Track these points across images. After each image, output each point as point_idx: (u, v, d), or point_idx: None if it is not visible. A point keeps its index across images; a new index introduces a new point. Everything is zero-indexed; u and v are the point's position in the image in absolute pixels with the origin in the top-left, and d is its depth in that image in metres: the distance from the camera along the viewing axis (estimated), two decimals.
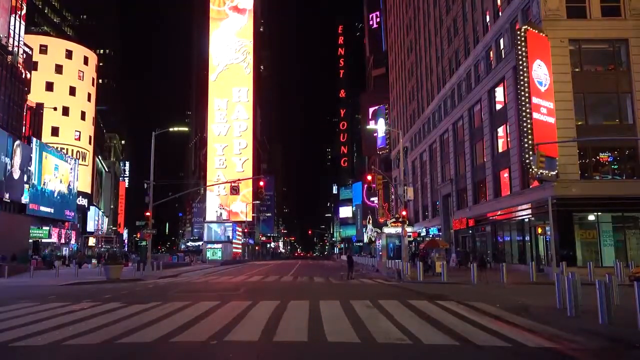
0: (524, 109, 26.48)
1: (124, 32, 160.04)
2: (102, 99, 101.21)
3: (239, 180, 38.87)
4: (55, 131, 75.88)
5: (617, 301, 12.44)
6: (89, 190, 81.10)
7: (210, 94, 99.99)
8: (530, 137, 25.96)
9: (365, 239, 77.32)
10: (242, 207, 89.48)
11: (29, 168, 54.31)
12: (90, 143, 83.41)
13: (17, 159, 50.57)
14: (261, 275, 32.78)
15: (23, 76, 55.99)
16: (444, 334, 9.41)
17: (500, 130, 34.93)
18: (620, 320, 10.25)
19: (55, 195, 62.58)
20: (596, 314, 10.43)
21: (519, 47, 26.95)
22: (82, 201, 78.00)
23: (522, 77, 26.78)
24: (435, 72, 51.31)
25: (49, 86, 74.98)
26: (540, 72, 26.99)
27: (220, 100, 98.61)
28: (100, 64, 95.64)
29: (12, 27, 51.25)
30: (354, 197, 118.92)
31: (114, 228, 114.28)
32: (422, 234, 55.80)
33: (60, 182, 64.36)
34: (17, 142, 50.89)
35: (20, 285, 23.68)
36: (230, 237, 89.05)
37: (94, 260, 51.41)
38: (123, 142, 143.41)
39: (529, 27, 27.19)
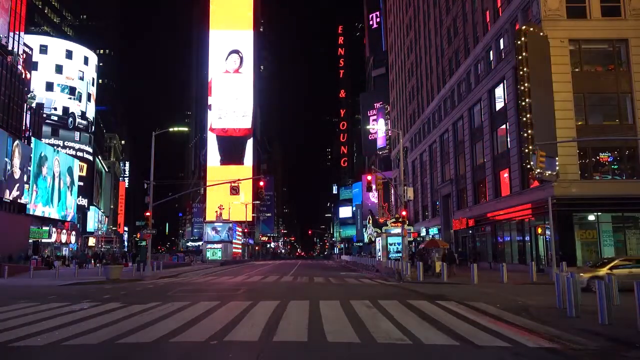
0: (524, 108, 26.47)
1: (124, 32, 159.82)
2: (102, 99, 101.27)
3: (239, 180, 38.85)
4: (55, 131, 75.96)
5: (617, 301, 12.46)
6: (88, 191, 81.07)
7: (211, 94, 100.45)
8: (530, 137, 25.93)
9: (365, 239, 77.31)
10: (242, 207, 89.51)
11: (28, 168, 54.33)
12: (90, 143, 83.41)
13: (17, 159, 50.58)
14: (261, 275, 32.77)
15: (23, 76, 56.01)
16: (444, 334, 9.40)
17: (500, 130, 34.92)
18: (620, 320, 10.26)
19: (55, 195, 62.57)
20: (596, 314, 10.43)
21: (519, 47, 26.94)
22: (82, 201, 78.02)
23: (522, 77, 26.77)
24: (435, 72, 51.31)
25: (49, 86, 75.03)
26: (540, 72, 26.98)
27: (220, 101, 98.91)
28: (100, 64, 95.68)
29: (12, 27, 51.26)
30: (354, 197, 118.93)
31: (114, 228, 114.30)
32: (422, 234, 55.80)
33: (60, 182, 64.35)
34: (17, 141, 50.91)
35: (20, 285, 23.68)
36: (230, 237, 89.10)
37: (92, 261, 51.42)
38: (123, 142, 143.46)
39: (529, 27, 27.18)
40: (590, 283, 17.11)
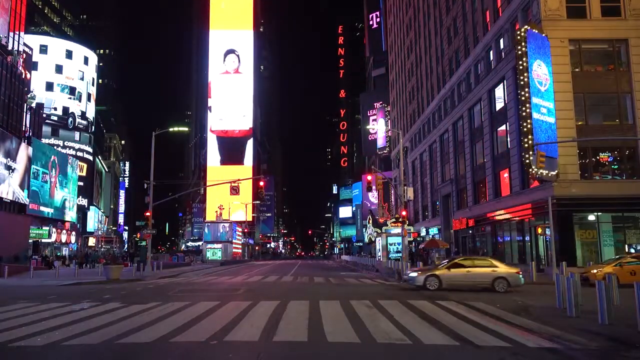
0: (524, 109, 26.48)
1: (124, 32, 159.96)
2: (102, 99, 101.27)
3: (239, 180, 38.87)
4: (55, 131, 75.98)
5: (617, 301, 12.46)
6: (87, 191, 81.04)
7: (211, 95, 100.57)
8: (530, 137, 25.95)
9: (365, 239, 77.30)
10: (242, 207, 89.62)
11: (29, 168, 54.28)
12: (90, 143, 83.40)
13: (19, 160, 50.58)
14: (261, 275, 32.77)
15: (23, 76, 56.00)
16: (444, 334, 9.41)
17: (500, 131, 34.92)
18: (620, 320, 10.26)
19: (56, 195, 62.55)
20: (596, 314, 10.44)
21: (519, 47, 26.94)
22: (82, 201, 77.99)
23: (522, 77, 26.77)
24: (435, 72, 51.30)
25: (49, 86, 75.04)
26: (540, 72, 26.98)
27: (220, 102, 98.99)
28: (100, 64, 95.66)
29: (12, 27, 51.25)
30: (354, 197, 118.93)
31: (114, 228, 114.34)
32: (422, 234, 55.80)
33: (61, 182, 64.34)
34: (18, 142, 50.91)
35: (20, 285, 23.68)
36: (230, 237, 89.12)
37: (100, 260, 51.26)
38: (123, 142, 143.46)
39: (529, 27, 27.17)
40: (427, 281, 18.45)
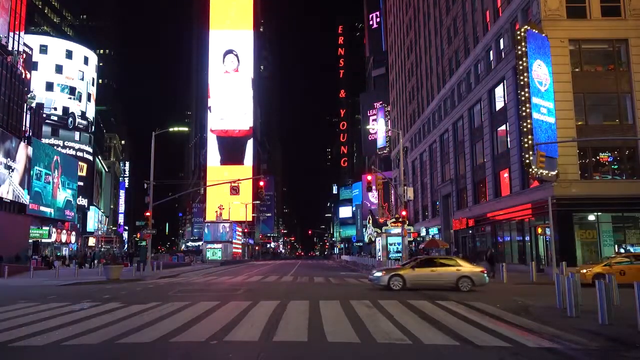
0: (524, 109, 26.47)
1: (124, 32, 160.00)
2: (102, 99, 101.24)
3: (239, 180, 38.87)
4: (55, 131, 75.95)
5: (617, 301, 12.46)
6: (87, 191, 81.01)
7: (210, 95, 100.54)
8: (530, 137, 25.94)
9: (365, 239, 77.31)
10: (242, 207, 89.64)
11: (28, 168, 54.28)
12: (90, 143, 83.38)
13: (18, 159, 50.56)
14: (261, 275, 32.77)
15: (23, 76, 55.98)
16: (444, 334, 9.41)
17: (500, 131, 34.92)
18: (620, 320, 10.26)
19: (58, 195, 62.53)
20: (596, 314, 10.44)
21: (519, 47, 26.94)
22: (82, 201, 77.98)
23: (522, 77, 26.76)
24: (435, 72, 51.29)
25: (49, 86, 75.02)
26: (540, 72, 26.97)
27: (220, 102, 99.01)
28: (100, 64, 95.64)
29: (12, 27, 51.23)
30: (354, 197, 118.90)
31: (114, 228, 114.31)
32: (422, 234, 55.79)
33: (60, 182, 64.31)
34: (17, 142, 50.90)
35: (20, 285, 23.68)
36: (230, 237, 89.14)
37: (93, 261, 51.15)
38: (123, 142, 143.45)
39: (529, 27, 27.16)
40: (391, 281, 18.46)
